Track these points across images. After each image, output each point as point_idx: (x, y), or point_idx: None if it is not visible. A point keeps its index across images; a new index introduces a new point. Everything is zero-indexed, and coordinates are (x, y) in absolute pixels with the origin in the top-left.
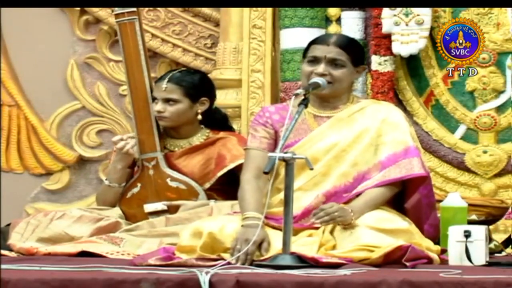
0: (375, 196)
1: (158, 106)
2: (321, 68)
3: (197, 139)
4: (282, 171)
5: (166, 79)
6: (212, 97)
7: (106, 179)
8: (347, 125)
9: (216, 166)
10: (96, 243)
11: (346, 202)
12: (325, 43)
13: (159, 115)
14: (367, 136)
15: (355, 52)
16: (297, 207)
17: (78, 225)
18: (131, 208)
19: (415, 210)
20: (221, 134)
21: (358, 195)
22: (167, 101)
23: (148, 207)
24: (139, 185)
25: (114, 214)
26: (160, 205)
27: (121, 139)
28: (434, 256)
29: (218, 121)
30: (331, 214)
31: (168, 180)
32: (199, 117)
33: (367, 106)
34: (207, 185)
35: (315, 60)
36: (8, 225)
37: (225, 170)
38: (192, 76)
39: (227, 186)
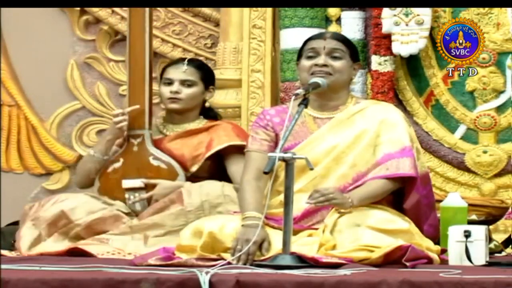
0: (375, 186)
1: (174, 87)
2: (321, 59)
3: (195, 125)
4: (282, 174)
5: (186, 62)
6: (214, 88)
7: (91, 149)
8: (347, 127)
9: (206, 149)
10: (85, 245)
11: None
12: (322, 37)
13: (174, 96)
14: (366, 137)
15: (352, 47)
16: (297, 208)
17: (80, 209)
18: (110, 181)
19: (415, 211)
20: (218, 122)
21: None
22: (184, 82)
23: (126, 183)
24: (121, 160)
25: (119, 206)
26: (138, 182)
27: (122, 114)
28: (434, 256)
29: (212, 116)
30: (326, 195)
31: (150, 158)
32: (207, 104)
33: (367, 107)
34: (195, 168)
35: (314, 54)
36: (8, 225)
37: (212, 151)
38: (205, 64)
39: (217, 175)
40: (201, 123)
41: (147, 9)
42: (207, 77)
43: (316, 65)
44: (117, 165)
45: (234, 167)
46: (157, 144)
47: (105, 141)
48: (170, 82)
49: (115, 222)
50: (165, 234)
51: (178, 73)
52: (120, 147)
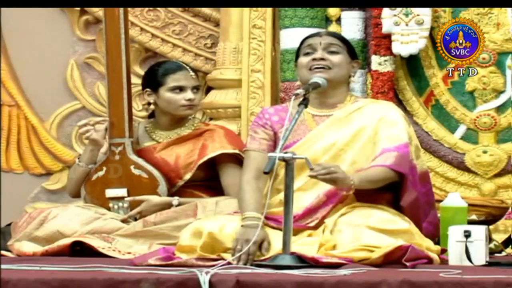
0: (376, 171)
1: (190, 94)
2: (318, 53)
3: (185, 130)
4: (282, 172)
5: (189, 68)
6: None
7: (77, 158)
8: (345, 125)
9: (198, 156)
10: (88, 238)
11: (345, 198)
12: (317, 35)
13: (190, 103)
14: (365, 134)
15: (348, 44)
16: (298, 207)
17: (74, 223)
18: (95, 191)
19: (413, 208)
20: (211, 126)
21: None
22: (194, 88)
23: (110, 192)
24: (104, 168)
25: (112, 214)
26: (121, 191)
27: (85, 124)
28: (434, 256)
29: None
30: (328, 168)
31: (132, 167)
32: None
33: (365, 105)
34: (188, 175)
35: (311, 50)
36: (8, 225)
37: (204, 158)
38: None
39: (211, 182)
40: (191, 125)
41: (122, 14)
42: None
43: (314, 59)
44: (100, 173)
45: (228, 180)
46: (149, 152)
47: (87, 151)
48: (181, 89)
49: (110, 231)
50: (170, 244)
51: (188, 79)
52: (107, 155)
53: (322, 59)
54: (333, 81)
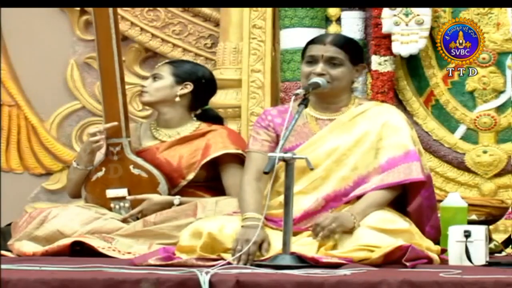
0: (376, 198)
1: (145, 82)
2: (319, 68)
3: (187, 129)
4: (282, 175)
5: (170, 60)
6: (198, 86)
7: (74, 160)
8: (348, 129)
9: (201, 157)
10: (88, 238)
11: (346, 203)
12: (321, 42)
13: (142, 89)
14: (367, 140)
15: (353, 51)
16: (297, 210)
17: (74, 222)
18: (95, 191)
19: (417, 214)
20: (213, 126)
21: (358, 198)
22: (154, 77)
23: (110, 193)
24: (103, 169)
25: (112, 214)
26: (122, 191)
27: (99, 132)
28: (434, 256)
29: (212, 118)
30: (327, 227)
31: (131, 166)
32: (177, 99)
33: (369, 109)
34: (191, 175)
35: (312, 60)
36: (8, 225)
37: (208, 158)
38: (189, 63)
39: (213, 182)
40: (193, 125)
41: (111, 13)
42: (182, 73)
43: (314, 73)
44: (100, 174)
45: (230, 180)
46: (152, 153)
47: (85, 154)
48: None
49: (111, 231)
50: (170, 244)
51: (153, 69)
52: (106, 155)
53: (321, 74)
54: (334, 92)
